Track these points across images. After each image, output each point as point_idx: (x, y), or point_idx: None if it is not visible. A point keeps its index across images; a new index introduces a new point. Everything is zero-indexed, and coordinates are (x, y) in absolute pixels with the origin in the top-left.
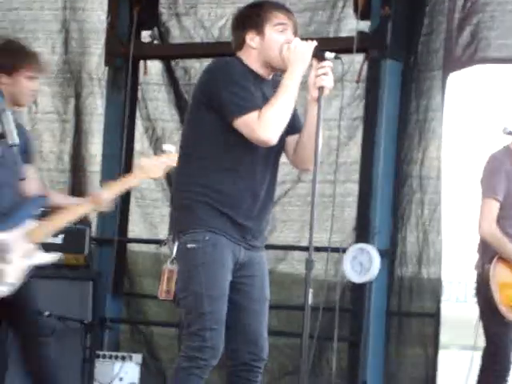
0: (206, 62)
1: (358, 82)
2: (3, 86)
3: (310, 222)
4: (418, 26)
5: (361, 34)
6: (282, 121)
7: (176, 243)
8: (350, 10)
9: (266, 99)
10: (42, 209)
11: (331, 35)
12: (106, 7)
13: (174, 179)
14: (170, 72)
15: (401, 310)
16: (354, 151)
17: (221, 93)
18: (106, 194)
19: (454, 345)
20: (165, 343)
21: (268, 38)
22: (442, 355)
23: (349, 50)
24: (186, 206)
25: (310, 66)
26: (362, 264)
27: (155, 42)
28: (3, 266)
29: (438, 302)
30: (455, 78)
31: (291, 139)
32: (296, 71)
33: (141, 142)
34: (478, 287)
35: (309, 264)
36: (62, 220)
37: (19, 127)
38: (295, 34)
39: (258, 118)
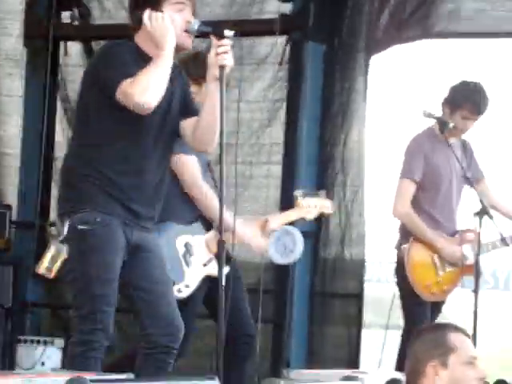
0: None
1: (280, 64)
2: None
3: (220, 204)
4: (340, 8)
5: (283, 16)
6: (157, 84)
7: (66, 223)
8: None
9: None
10: None
11: (253, 17)
12: None
13: (65, 160)
14: (90, 53)
15: (324, 290)
16: (275, 133)
17: (103, 71)
18: (272, 224)
19: (376, 324)
20: None
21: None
22: (365, 334)
23: (271, 32)
24: (75, 185)
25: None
26: (286, 245)
27: (75, 22)
28: (184, 268)
29: (361, 282)
30: (378, 60)
31: (187, 123)
32: (164, 42)
33: (60, 123)
34: (396, 267)
35: (221, 245)
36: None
37: None
38: (194, 13)
39: (131, 83)
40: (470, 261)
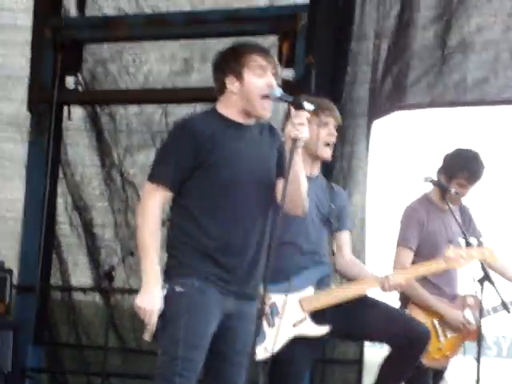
0: (131, 108)
1: (283, 130)
2: None
3: (265, 273)
4: (341, 75)
5: (285, 82)
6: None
7: (165, 286)
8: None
9: (247, 144)
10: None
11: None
12: (28, 53)
13: (169, 230)
14: (93, 118)
15: (324, 356)
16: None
17: (159, 152)
18: (398, 279)
19: None
20: None
21: (247, 81)
22: None
23: None
24: (176, 254)
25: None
26: None
27: (79, 87)
28: (266, 329)
29: (361, 347)
30: (379, 126)
31: (280, 182)
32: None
33: (60, 187)
34: None
35: (259, 311)
36: (343, 294)
37: None
38: (275, 75)
39: (150, 206)
40: (473, 326)
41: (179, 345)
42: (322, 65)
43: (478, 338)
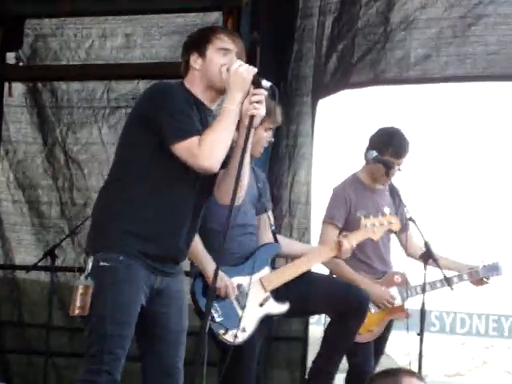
0: (73, 84)
1: None
2: None
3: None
4: (287, 52)
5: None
6: (223, 146)
7: (90, 259)
8: None
9: (203, 125)
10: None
11: None
12: None
13: (97, 198)
14: (35, 94)
15: (270, 333)
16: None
17: (161, 116)
18: (347, 244)
19: None
20: (20, 370)
21: (209, 59)
22: None
23: None
24: (104, 226)
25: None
26: None
27: (21, 63)
28: (239, 311)
29: (306, 325)
30: (324, 104)
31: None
32: (236, 95)
33: (1, 164)
34: None
35: (211, 291)
36: (297, 269)
37: None
38: (240, 58)
39: (198, 144)
40: (398, 303)
41: (106, 321)
42: (267, 42)
43: (422, 314)
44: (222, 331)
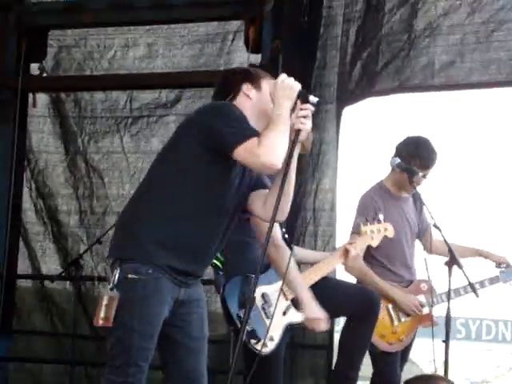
0: (97, 94)
1: None
2: None
3: (260, 261)
4: (310, 60)
5: (252, 67)
6: (283, 145)
7: (116, 271)
8: (240, 43)
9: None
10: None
11: (221, 68)
12: None
13: (131, 207)
14: (58, 104)
15: (295, 342)
16: None
17: (218, 126)
18: (354, 252)
19: None
20: (54, 380)
21: (264, 89)
22: None
23: None
24: (135, 236)
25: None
26: None
27: (44, 74)
28: (266, 320)
29: (331, 333)
30: (350, 111)
31: (257, 195)
32: (283, 104)
33: (24, 174)
34: None
35: (249, 301)
36: (313, 277)
37: None
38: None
39: (258, 144)
40: (426, 311)
41: (133, 334)
42: (290, 50)
43: (447, 322)
44: (253, 340)
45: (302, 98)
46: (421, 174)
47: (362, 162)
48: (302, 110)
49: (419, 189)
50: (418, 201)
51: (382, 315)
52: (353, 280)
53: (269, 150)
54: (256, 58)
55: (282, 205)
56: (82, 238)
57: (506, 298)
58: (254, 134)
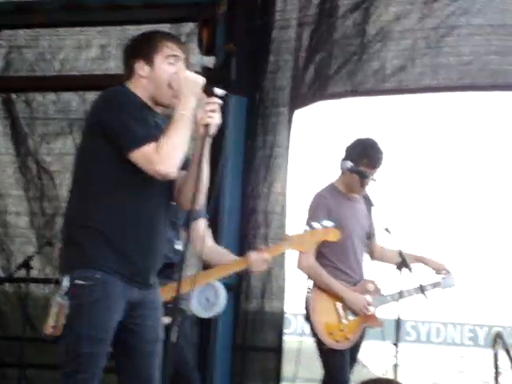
0: (48, 95)
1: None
2: None
3: (180, 269)
4: (263, 63)
5: (205, 69)
6: (179, 152)
7: (66, 278)
8: (194, 45)
9: (160, 130)
10: None
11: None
12: None
13: (66, 213)
14: (8, 105)
15: (245, 343)
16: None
17: (115, 124)
18: (261, 257)
19: (300, 378)
20: None
21: (158, 67)
22: None
23: None
24: (77, 242)
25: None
26: (209, 299)
27: None
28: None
29: (280, 335)
30: (301, 115)
31: (180, 176)
32: (188, 101)
33: None
34: (305, 318)
35: (176, 304)
36: (213, 276)
37: None
38: (187, 67)
39: (155, 150)
40: (372, 310)
41: (82, 341)
42: (243, 53)
43: (397, 322)
44: None
45: (208, 91)
46: (371, 177)
47: (314, 164)
48: (208, 104)
49: (370, 192)
50: (368, 202)
51: (330, 313)
52: (304, 277)
53: (165, 159)
54: (209, 61)
55: (197, 195)
56: (31, 240)
57: (455, 301)
58: (151, 137)
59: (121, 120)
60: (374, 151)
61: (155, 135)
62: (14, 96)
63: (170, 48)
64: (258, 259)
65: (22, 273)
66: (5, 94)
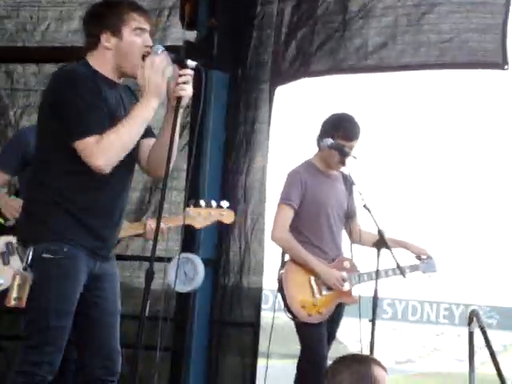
0: (29, 66)
1: None
2: None
3: (155, 234)
4: (246, 39)
5: (187, 43)
6: (122, 150)
7: (30, 250)
8: (176, 19)
9: (119, 104)
10: None
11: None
12: None
13: (27, 186)
14: None
15: (223, 319)
16: (176, 159)
17: (64, 109)
18: (153, 226)
19: (276, 353)
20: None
21: (126, 40)
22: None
23: None
24: (41, 215)
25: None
26: (187, 273)
27: None
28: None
29: (258, 311)
30: (283, 91)
31: (145, 144)
32: (150, 102)
33: None
34: (278, 292)
35: (149, 275)
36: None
37: None
38: (152, 35)
39: (96, 143)
40: (347, 287)
41: (50, 314)
42: (226, 27)
43: (374, 301)
44: None
45: (180, 63)
46: (347, 149)
47: (294, 141)
48: (180, 76)
49: (352, 171)
50: (348, 182)
51: (304, 286)
52: (277, 248)
53: (102, 154)
54: (191, 35)
55: (162, 162)
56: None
57: (431, 279)
58: (96, 129)
59: (71, 108)
60: (349, 124)
61: (103, 126)
62: None
63: (137, 21)
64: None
65: None
66: None
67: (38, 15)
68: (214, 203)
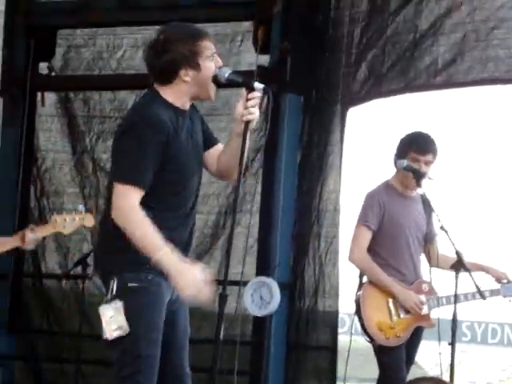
0: (105, 94)
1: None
2: None
3: (227, 257)
4: (318, 61)
5: (260, 68)
6: (127, 231)
7: (113, 282)
8: (249, 44)
9: (190, 132)
10: None
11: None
12: (1, 39)
13: (107, 217)
14: (66, 104)
15: (298, 342)
16: (249, 183)
17: (119, 154)
18: (31, 236)
19: (353, 377)
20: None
21: (203, 68)
22: None
23: None
24: (124, 245)
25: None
26: (263, 297)
27: (53, 73)
28: None
29: (335, 334)
30: (355, 112)
31: (212, 153)
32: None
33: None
34: (357, 315)
35: (223, 299)
36: None
37: None
38: (219, 55)
39: (127, 199)
40: (425, 311)
41: (141, 342)
42: (298, 51)
43: (453, 323)
44: None
45: (247, 85)
46: (427, 175)
47: (367, 163)
48: (248, 100)
49: (429, 194)
50: (427, 205)
51: (381, 309)
52: (355, 273)
53: (122, 216)
54: (265, 59)
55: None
56: (86, 237)
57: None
58: (138, 182)
59: (126, 151)
60: (423, 139)
61: (144, 185)
62: (71, 94)
63: (208, 48)
64: (32, 238)
65: (79, 270)
66: (63, 93)
67: (113, 43)
68: (78, 208)
